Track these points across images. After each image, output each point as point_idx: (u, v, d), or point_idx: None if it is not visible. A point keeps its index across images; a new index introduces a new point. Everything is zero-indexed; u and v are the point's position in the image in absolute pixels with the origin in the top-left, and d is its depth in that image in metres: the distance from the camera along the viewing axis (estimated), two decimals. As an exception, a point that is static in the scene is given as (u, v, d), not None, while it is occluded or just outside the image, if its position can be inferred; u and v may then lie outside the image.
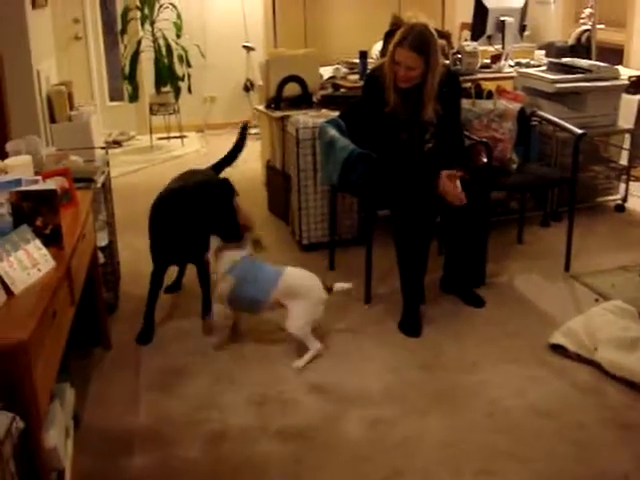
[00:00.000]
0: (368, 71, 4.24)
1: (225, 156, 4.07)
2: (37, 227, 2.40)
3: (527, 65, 5.57)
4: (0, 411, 1.78)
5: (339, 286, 3.31)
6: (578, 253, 4.23)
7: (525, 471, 2.54)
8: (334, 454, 2.65)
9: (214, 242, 3.33)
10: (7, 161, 2.92)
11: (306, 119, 4.37)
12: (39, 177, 2.71)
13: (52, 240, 2.42)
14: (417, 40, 3.43)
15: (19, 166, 2.80)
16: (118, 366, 3.29)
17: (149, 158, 7.02)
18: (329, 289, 3.29)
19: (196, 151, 7.21)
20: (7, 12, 4.18)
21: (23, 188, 2.48)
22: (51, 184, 2.62)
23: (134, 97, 7.33)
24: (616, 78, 4.88)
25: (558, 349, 3.28)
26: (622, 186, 5.19)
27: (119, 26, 7.25)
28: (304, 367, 3.20)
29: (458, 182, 3.45)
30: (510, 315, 3.66)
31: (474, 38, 5.61)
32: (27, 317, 1.98)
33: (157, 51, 7.18)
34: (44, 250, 2.32)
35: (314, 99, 4.94)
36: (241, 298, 3.28)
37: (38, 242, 2.32)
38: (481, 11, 5.54)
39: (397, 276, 3.63)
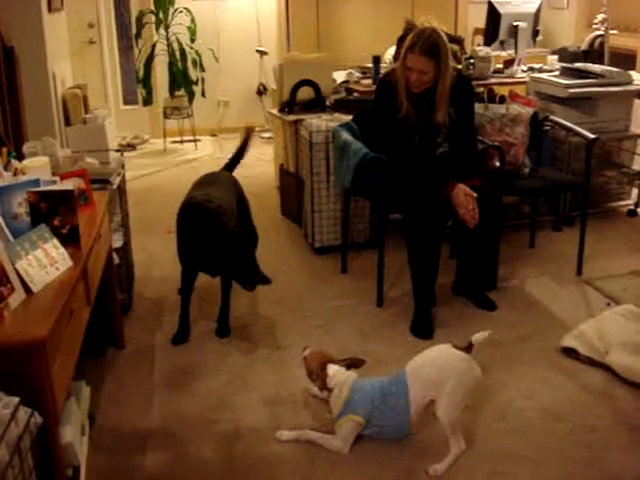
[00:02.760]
0: (380, 76, 4.26)
1: (233, 156, 4.11)
2: (55, 227, 2.43)
3: (540, 70, 5.58)
4: (19, 406, 1.80)
5: (478, 337, 2.63)
6: (590, 257, 4.24)
7: (536, 473, 2.55)
8: (347, 454, 2.67)
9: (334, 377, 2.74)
10: (25, 162, 2.95)
11: (319, 123, 4.39)
12: (57, 178, 2.73)
13: (69, 239, 2.45)
14: (427, 44, 3.46)
15: (37, 167, 2.84)
16: (131, 366, 3.31)
17: (163, 161, 7.07)
18: (468, 348, 2.63)
19: (209, 155, 7.25)
20: (24, 15, 4.24)
21: (41, 188, 2.51)
22: (69, 185, 2.65)
23: (148, 101, 7.39)
24: (629, 83, 4.88)
25: (570, 352, 3.29)
26: (634, 191, 5.19)
27: (133, 30, 7.31)
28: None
29: (475, 202, 3.46)
30: (522, 318, 3.67)
31: (487, 43, 5.62)
32: (46, 315, 2.01)
33: (171, 55, 7.23)
34: (62, 249, 2.35)
35: (327, 103, 4.97)
36: (377, 430, 2.70)
37: (56, 241, 2.35)
38: (494, 16, 5.55)
39: (409, 279, 3.65)
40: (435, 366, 2.64)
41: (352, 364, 2.81)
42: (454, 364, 2.61)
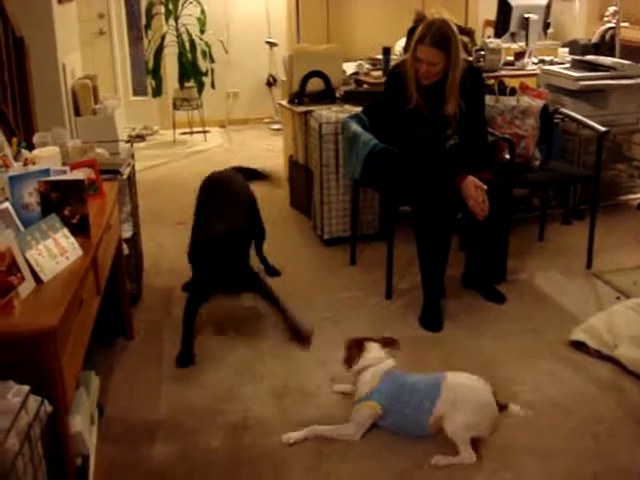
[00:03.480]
0: (390, 67, 4.25)
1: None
2: (65, 216, 2.43)
3: (551, 62, 5.56)
4: (29, 394, 1.81)
5: (515, 409, 2.73)
6: (600, 251, 4.22)
7: (544, 466, 2.55)
8: (355, 446, 2.67)
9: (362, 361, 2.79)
10: (35, 152, 2.95)
11: (329, 114, 4.38)
12: (67, 167, 2.74)
13: (79, 229, 2.45)
14: (437, 36, 3.45)
15: (47, 157, 2.84)
16: (140, 356, 3.32)
17: (172, 153, 7.07)
18: (502, 406, 2.71)
19: (219, 146, 7.25)
20: (34, 6, 4.26)
21: (52, 178, 2.51)
22: (79, 174, 2.66)
23: (158, 92, 7.38)
24: (640, 76, 4.86)
25: (578, 345, 3.28)
26: (645, 185, 5.18)
27: (143, 21, 7.31)
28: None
29: (485, 194, 3.45)
30: (530, 311, 3.66)
31: (497, 35, 5.60)
32: (56, 304, 2.01)
33: (181, 46, 7.22)
34: (72, 239, 2.35)
35: (337, 94, 4.96)
36: (395, 423, 2.71)
37: (66, 231, 2.35)
38: (505, 8, 5.53)
39: (418, 271, 3.64)
40: (469, 391, 2.67)
41: (386, 343, 2.86)
42: (487, 404, 2.67)
